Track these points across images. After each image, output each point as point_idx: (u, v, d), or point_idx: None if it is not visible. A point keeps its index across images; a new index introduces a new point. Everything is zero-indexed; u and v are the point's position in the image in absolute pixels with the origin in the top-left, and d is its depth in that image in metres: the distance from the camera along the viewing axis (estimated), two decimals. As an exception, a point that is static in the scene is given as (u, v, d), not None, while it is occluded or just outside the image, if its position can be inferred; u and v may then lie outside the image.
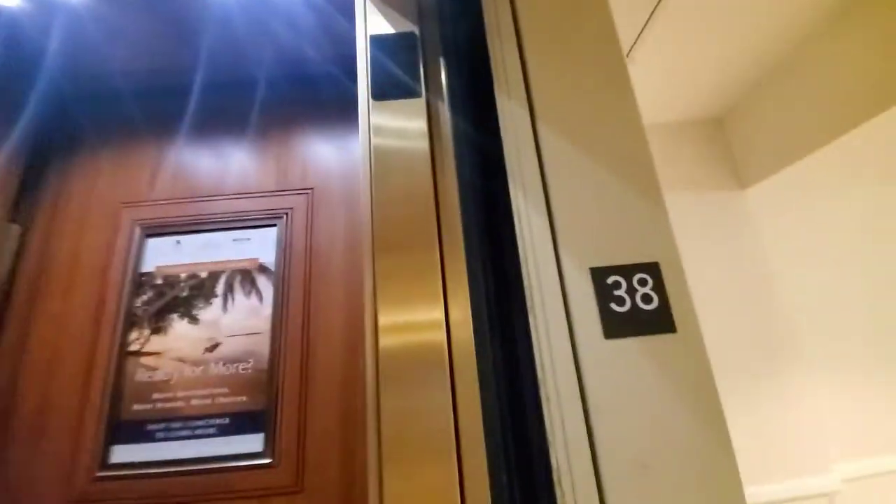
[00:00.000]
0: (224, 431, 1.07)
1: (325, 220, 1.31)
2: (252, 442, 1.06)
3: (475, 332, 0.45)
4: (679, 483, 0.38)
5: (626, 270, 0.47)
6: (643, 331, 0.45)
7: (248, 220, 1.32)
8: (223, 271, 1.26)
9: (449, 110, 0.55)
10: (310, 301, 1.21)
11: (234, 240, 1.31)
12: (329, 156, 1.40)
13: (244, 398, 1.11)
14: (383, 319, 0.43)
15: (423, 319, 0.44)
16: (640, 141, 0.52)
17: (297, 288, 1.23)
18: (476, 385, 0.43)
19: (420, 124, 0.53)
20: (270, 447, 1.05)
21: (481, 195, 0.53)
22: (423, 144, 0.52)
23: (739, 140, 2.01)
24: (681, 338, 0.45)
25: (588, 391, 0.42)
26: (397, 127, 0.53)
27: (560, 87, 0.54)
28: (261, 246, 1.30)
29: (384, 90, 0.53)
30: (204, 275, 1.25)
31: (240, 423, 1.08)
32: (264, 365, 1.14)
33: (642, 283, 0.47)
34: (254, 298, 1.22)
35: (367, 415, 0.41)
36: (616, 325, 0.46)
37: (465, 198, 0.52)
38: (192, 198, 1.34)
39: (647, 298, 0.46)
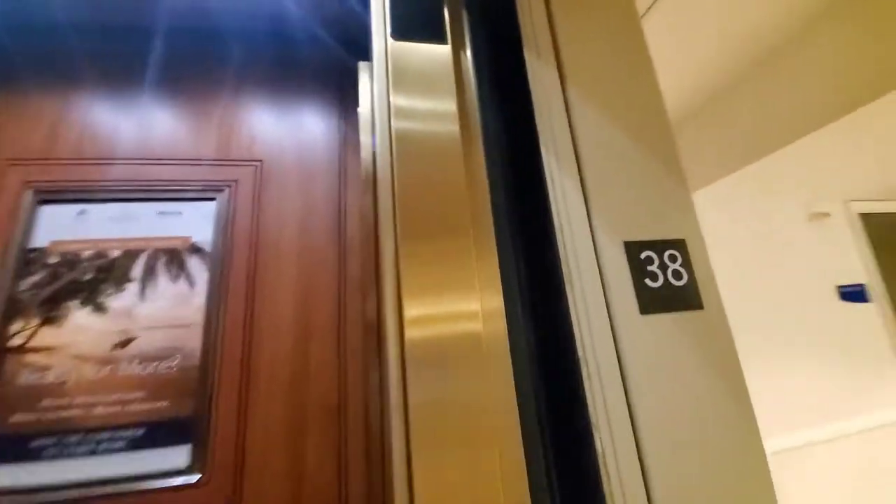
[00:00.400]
0: (137, 445, 0.87)
1: (276, 197, 1.16)
2: (176, 455, 0.88)
3: (508, 321, 0.39)
4: (714, 458, 0.37)
5: (658, 246, 0.45)
6: (675, 307, 0.43)
7: (180, 190, 1.12)
8: (142, 250, 1.05)
9: (473, 70, 0.49)
10: (254, 289, 1.06)
11: (161, 213, 1.10)
12: (283, 127, 1.24)
13: (165, 403, 0.92)
14: (411, 311, 0.36)
15: (455, 310, 0.38)
16: (663, 116, 0.51)
17: (238, 273, 1.06)
18: (511, 375, 0.38)
19: (448, 85, 0.46)
20: (200, 460, 0.88)
21: (508, 165, 0.48)
22: (451, 107, 0.46)
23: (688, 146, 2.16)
24: (708, 315, 0.44)
25: (627, 369, 0.39)
26: (423, 86, 0.45)
27: (588, 51, 0.51)
28: (194, 222, 1.10)
29: (407, 27, 0.45)
30: (116, 253, 1.03)
31: (159, 433, 0.89)
32: (194, 362, 0.97)
33: (672, 259, 0.45)
34: (182, 284, 1.03)
35: (390, 411, 0.33)
36: (650, 301, 0.43)
37: (493, 170, 0.46)
38: (104, 159, 1.10)
39: (677, 274, 0.45)
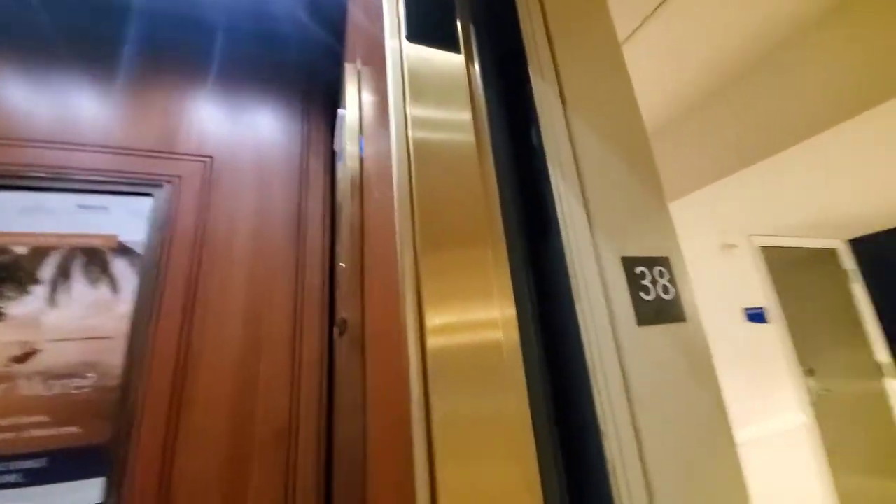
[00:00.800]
0: (38, 478, 0.71)
1: (227, 198, 1.06)
2: (86, 491, 0.73)
3: (521, 331, 0.39)
4: (701, 449, 0.40)
5: (648, 262, 0.48)
6: (665, 319, 0.46)
7: (108, 182, 0.97)
8: (55, 248, 0.89)
9: (482, 81, 0.49)
10: (195, 298, 0.94)
11: (82, 206, 0.94)
12: (240, 124, 1.15)
13: (74, 429, 0.77)
14: (433, 320, 0.34)
15: (475, 319, 0.36)
16: (646, 139, 0.55)
17: (177, 280, 0.94)
18: (524, 385, 0.37)
19: (463, 94, 0.45)
20: (116, 495, 0.75)
21: (514, 177, 0.48)
22: (467, 116, 0.45)
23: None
24: (690, 326, 0.47)
25: (629, 379, 0.40)
26: (440, 94, 0.44)
27: (582, 75, 0.53)
28: (123, 219, 0.97)
29: (421, 29, 0.43)
30: (21, 250, 0.86)
31: (66, 464, 0.74)
32: (114, 381, 0.83)
33: (661, 274, 0.48)
34: (104, 289, 0.89)
35: (411, 421, 0.30)
36: (645, 313, 0.45)
37: (501, 182, 0.46)
38: (13, 139, 0.93)
39: (665, 289, 0.47)
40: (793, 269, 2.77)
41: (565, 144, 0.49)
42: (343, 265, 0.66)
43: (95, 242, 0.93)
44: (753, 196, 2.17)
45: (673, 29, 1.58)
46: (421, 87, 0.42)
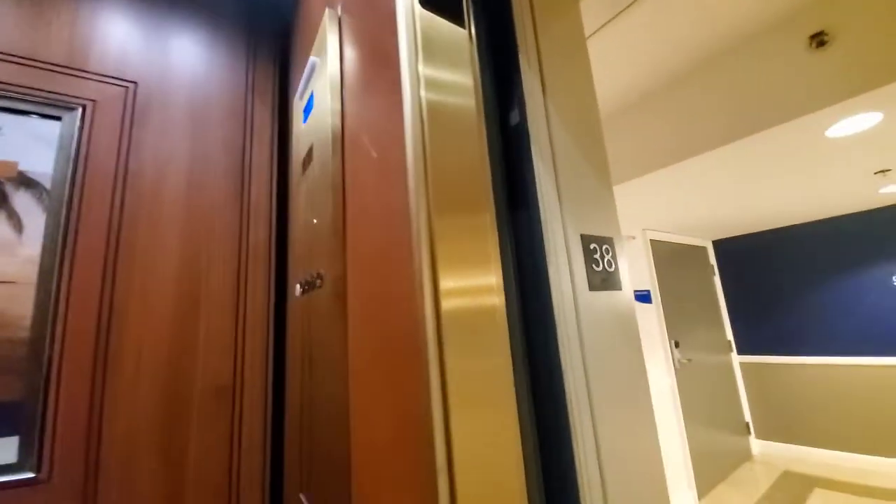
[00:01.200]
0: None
1: (155, 137, 0.94)
2: (-9, 452, 0.65)
3: (506, 294, 0.46)
4: (623, 388, 0.52)
5: (599, 240, 0.58)
6: (608, 287, 0.57)
7: (1, 96, 0.80)
8: (-76, 170, 0.72)
9: (478, 56, 0.52)
10: (118, 245, 0.85)
11: (-39, 123, 0.77)
12: (172, 51, 1.01)
13: (-31, 384, 0.67)
14: (446, 283, 0.39)
15: (478, 284, 0.42)
16: (601, 133, 0.65)
17: (94, 223, 0.83)
18: (508, 344, 0.44)
19: (467, 62, 0.48)
20: (34, 455, 0.67)
21: (498, 154, 0.54)
22: (471, 82, 0.48)
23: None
24: (624, 294, 0.59)
25: (582, 331, 0.50)
26: (449, 59, 0.46)
27: (557, 66, 0.60)
28: (23, 144, 0.81)
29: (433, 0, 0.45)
30: None
31: (-40, 424, 0.64)
32: (22, 333, 0.72)
33: (607, 251, 0.58)
34: (3, 225, 0.76)
35: (428, 375, 0.36)
36: (594, 281, 0.55)
37: (491, 154, 0.51)
38: None
39: (609, 263, 0.58)
40: (671, 261, 3.31)
41: (544, 129, 0.55)
42: (315, 221, 0.66)
43: (-16, 169, 0.77)
44: (648, 199, 2.55)
45: (615, 38, 1.74)
46: (433, 50, 0.45)
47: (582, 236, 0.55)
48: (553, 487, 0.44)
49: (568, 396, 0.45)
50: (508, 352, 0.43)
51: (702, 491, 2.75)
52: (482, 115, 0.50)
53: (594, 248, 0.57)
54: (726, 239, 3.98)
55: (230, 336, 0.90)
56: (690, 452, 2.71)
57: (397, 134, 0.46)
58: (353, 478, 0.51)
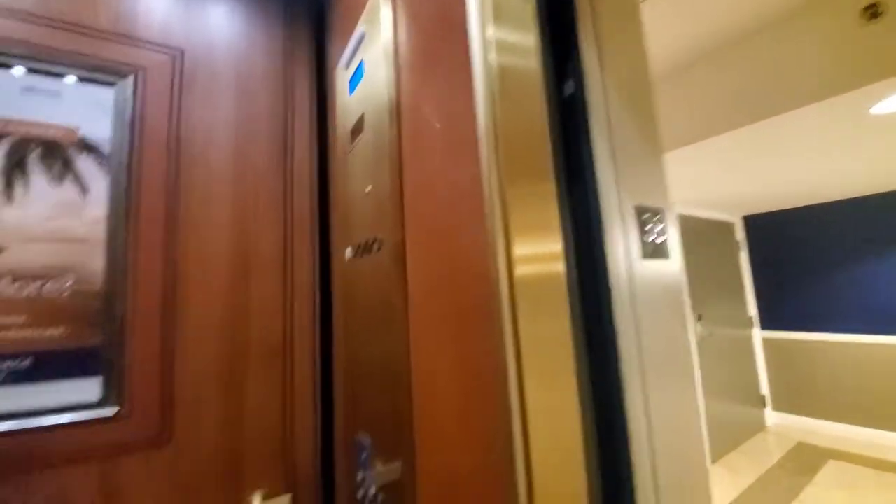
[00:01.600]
0: (25, 377, 0.69)
1: (203, 105, 0.96)
2: (84, 388, 0.73)
3: (566, 260, 0.48)
4: (675, 354, 0.53)
5: (651, 211, 0.59)
6: (658, 256, 0.58)
7: (59, 63, 0.83)
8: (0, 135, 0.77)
9: (539, 31, 0.52)
10: (177, 211, 0.89)
11: (27, 89, 0.81)
12: (213, 18, 1.02)
13: (60, 331, 0.74)
14: (519, 249, 0.41)
15: (546, 251, 0.44)
16: (654, 108, 0.64)
17: (154, 187, 0.88)
18: (568, 309, 0.46)
19: (530, 25, 0.48)
20: (116, 394, 0.75)
21: (555, 123, 0.54)
22: (533, 43, 0.48)
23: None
24: (672, 263, 0.60)
25: (635, 297, 0.52)
26: (516, 22, 0.46)
27: (614, 41, 0.59)
28: (82, 110, 0.85)
29: None
30: (-44, 131, 0.73)
31: (54, 364, 0.72)
32: (96, 287, 0.78)
33: (658, 222, 0.59)
34: (70, 188, 0.81)
35: (503, 340, 0.39)
36: (646, 250, 0.57)
37: (551, 124, 0.52)
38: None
39: (660, 233, 0.59)
40: (697, 236, 3.25)
41: (601, 100, 0.55)
42: (369, 188, 0.68)
43: (52, 134, 0.81)
44: (678, 172, 2.48)
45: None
46: (500, 12, 0.45)
47: (636, 207, 0.56)
48: (607, 453, 0.47)
49: (622, 362, 0.48)
50: (569, 318, 0.46)
51: (714, 457, 2.84)
52: (544, 81, 0.51)
53: (647, 217, 0.58)
54: (756, 215, 3.87)
55: (279, 301, 0.95)
56: (706, 420, 2.77)
57: (465, 102, 0.47)
58: (416, 423, 0.56)
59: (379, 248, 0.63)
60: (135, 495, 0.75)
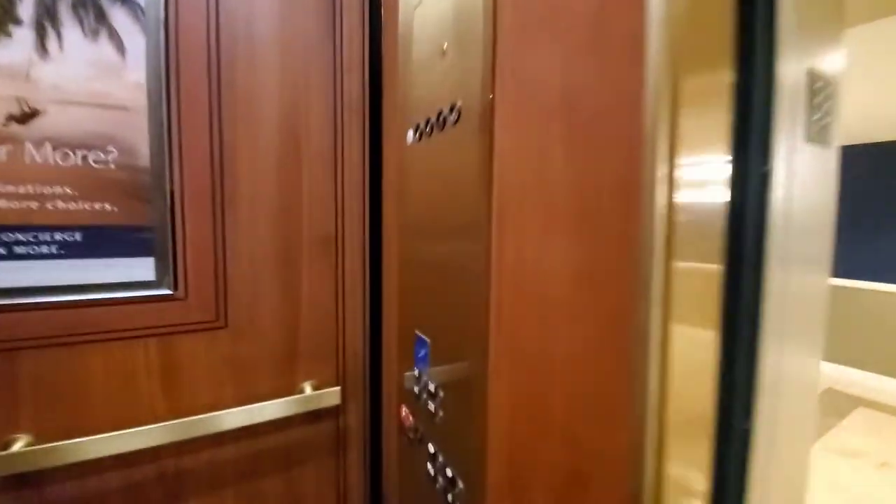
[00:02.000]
0: (75, 252, 0.67)
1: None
2: (135, 268, 0.71)
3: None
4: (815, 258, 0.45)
5: (823, 80, 0.45)
6: (820, 141, 0.46)
7: None
8: (21, -24, 0.67)
9: None
10: (220, 82, 0.79)
11: (44, -82, 0.68)
12: None
13: (107, 206, 0.71)
14: (684, 173, 0.30)
15: (713, 178, 0.33)
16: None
17: (193, 49, 0.77)
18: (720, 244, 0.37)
19: None
20: (170, 276, 0.74)
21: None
22: None
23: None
24: (831, 152, 0.48)
25: (791, 184, 0.42)
26: None
27: None
28: (109, -46, 0.72)
29: None
30: (-29, -34, 0.63)
31: (105, 241, 0.70)
32: (142, 161, 0.73)
33: (827, 98, 0.46)
34: (106, 45, 0.72)
35: (651, 272, 0.30)
36: (810, 133, 0.45)
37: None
38: None
39: (827, 112, 0.46)
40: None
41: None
42: (445, 46, 0.56)
43: (78, -23, 0.70)
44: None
45: None
46: None
47: (808, 71, 0.43)
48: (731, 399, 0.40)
49: (769, 237, 0.39)
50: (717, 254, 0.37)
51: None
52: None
53: (818, 87, 0.44)
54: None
55: (331, 188, 0.89)
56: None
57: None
58: (492, 323, 0.50)
59: (457, 120, 0.53)
60: (191, 373, 0.77)
